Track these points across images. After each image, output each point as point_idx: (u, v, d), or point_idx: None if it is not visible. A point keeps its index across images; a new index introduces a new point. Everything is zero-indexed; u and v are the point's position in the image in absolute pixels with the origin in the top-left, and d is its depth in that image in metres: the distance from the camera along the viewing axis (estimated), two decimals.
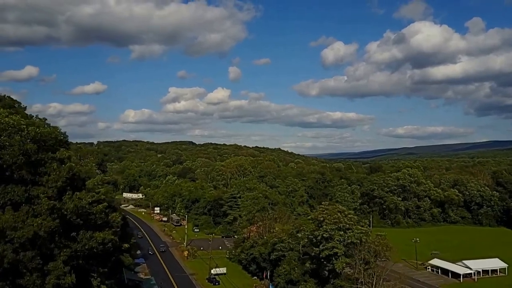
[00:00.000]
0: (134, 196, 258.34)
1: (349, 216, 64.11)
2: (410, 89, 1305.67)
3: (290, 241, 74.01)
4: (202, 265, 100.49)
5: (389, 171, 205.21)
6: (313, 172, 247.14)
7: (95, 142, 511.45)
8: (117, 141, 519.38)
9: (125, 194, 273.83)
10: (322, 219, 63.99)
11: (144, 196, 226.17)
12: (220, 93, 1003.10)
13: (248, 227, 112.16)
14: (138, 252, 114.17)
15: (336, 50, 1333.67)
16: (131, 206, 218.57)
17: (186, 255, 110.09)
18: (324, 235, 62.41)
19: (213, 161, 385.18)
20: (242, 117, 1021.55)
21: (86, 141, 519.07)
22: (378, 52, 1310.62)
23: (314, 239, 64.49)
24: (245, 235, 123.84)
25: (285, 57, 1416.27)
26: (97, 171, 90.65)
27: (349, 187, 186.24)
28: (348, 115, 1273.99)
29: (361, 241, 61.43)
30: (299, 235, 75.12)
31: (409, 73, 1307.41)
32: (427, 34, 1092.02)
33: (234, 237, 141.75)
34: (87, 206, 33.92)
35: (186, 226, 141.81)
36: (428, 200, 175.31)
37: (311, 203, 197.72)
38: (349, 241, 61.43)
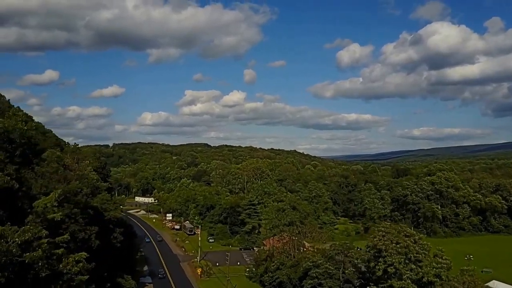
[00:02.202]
0: (147, 200, 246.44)
1: (420, 242, 48.69)
2: (426, 90, 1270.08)
3: (328, 266, 59.10)
4: (219, 286, 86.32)
5: (421, 175, 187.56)
6: (335, 176, 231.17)
7: (111, 145, 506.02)
8: (132, 143, 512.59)
9: (137, 198, 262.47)
10: (383, 247, 48.86)
11: (156, 201, 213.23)
12: (235, 96, 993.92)
13: (270, 239, 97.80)
14: (145, 268, 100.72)
15: (351, 52, 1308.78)
16: (142, 212, 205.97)
17: (199, 272, 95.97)
18: (389, 270, 46.97)
19: (228, 163, 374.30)
20: (257, 119, 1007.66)
21: (102, 143, 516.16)
22: (394, 53, 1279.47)
23: (369, 273, 49.54)
24: (266, 249, 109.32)
25: (300, 59, 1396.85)
26: (93, 175, 76.88)
27: (378, 193, 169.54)
28: (364, 117, 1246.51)
29: (440, 278, 46.09)
30: (339, 258, 60.07)
31: (425, 74, 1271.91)
32: (444, 34, 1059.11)
33: (253, 249, 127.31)
34: (15, 250, 19.48)
35: (200, 236, 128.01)
36: (467, 207, 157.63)
37: (335, 210, 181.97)
38: (424, 279, 46.09)
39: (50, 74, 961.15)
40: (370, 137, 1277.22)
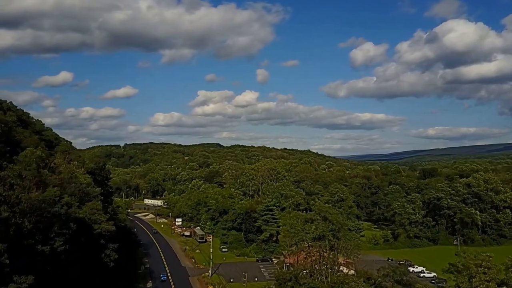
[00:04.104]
0: (156, 202, 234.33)
1: None
2: (441, 89, 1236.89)
3: None
4: None
5: (455, 176, 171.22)
6: (357, 177, 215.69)
7: (122, 145, 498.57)
8: (144, 144, 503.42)
9: (146, 201, 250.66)
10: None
11: (165, 204, 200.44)
12: (248, 96, 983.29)
13: (294, 253, 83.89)
14: (149, 285, 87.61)
15: (365, 50, 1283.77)
16: (150, 216, 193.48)
17: None
18: None
19: (240, 164, 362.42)
20: (270, 119, 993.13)
21: (113, 144, 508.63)
22: (409, 51, 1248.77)
23: None
24: (287, 261, 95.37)
25: (313, 58, 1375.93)
26: (85, 179, 64.01)
27: (407, 196, 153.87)
28: (377, 116, 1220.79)
29: None
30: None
31: (440, 73, 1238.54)
32: (461, 32, 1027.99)
33: (271, 260, 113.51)
34: None
35: (211, 244, 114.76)
36: (510, 212, 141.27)
37: (358, 214, 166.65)
38: None
39: (64, 76, 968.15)
40: (384, 136, 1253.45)
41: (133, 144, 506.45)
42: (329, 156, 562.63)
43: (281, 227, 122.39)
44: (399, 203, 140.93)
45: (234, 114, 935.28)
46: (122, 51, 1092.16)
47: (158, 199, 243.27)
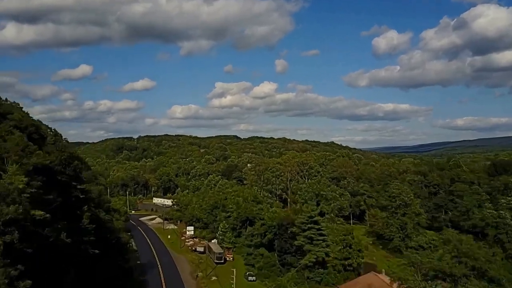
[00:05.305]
0: (167, 202, 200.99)
1: None
2: (470, 77, 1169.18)
3: None
4: None
5: None
6: (406, 172, 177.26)
7: (135, 137, 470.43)
8: (158, 136, 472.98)
9: (155, 200, 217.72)
10: None
11: (176, 205, 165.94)
12: (266, 87, 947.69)
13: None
14: None
15: (389, 38, 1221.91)
16: (157, 220, 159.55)
17: None
18: None
19: (260, 156, 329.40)
20: (288, 111, 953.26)
21: (125, 136, 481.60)
22: (435, 39, 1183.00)
23: None
24: None
25: (334, 47, 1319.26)
26: None
27: (496, 199, 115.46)
28: (401, 107, 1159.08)
29: None
30: None
31: (469, 60, 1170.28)
32: (491, 17, 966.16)
33: None
34: None
35: (234, 274, 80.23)
36: None
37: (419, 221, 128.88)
38: None
39: (83, 69, 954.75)
40: (409, 128, 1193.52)
41: (146, 136, 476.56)
42: (355, 149, 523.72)
43: (330, 246, 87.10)
44: (492, 211, 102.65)
45: (252, 106, 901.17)
46: (140, 43, 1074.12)
47: (169, 198, 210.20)
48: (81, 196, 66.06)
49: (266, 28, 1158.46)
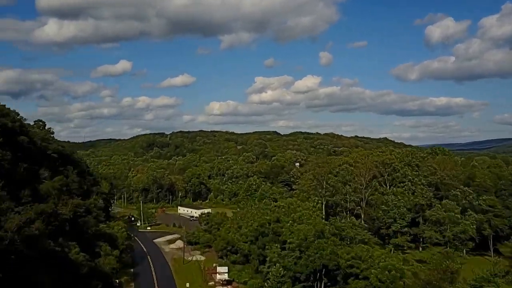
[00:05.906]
0: (194, 212, 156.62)
1: None
2: None
3: None
4: None
5: None
6: None
7: (167, 133, 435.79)
8: (192, 131, 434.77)
9: (181, 209, 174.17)
10: None
11: (204, 221, 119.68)
12: (309, 81, 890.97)
13: None
14: None
15: (444, 27, 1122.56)
16: (178, 243, 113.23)
17: None
18: None
19: (305, 154, 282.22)
20: (332, 106, 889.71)
21: (157, 132, 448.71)
22: (496, 26, 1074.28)
23: None
24: None
25: (383, 38, 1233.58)
26: None
27: None
28: (455, 101, 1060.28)
29: None
30: None
31: None
32: None
33: None
34: None
35: None
36: None
37: None
38: None
39: (123, 65, 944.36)
40: (462, 123, 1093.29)
41: (180, 132, 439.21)
42: (410, 145, 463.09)
43: None
44: None
45: (293, 101, 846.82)
46: (180, 37, 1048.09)
47: (198, 207, 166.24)
48: None
49: (309, 18, 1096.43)
